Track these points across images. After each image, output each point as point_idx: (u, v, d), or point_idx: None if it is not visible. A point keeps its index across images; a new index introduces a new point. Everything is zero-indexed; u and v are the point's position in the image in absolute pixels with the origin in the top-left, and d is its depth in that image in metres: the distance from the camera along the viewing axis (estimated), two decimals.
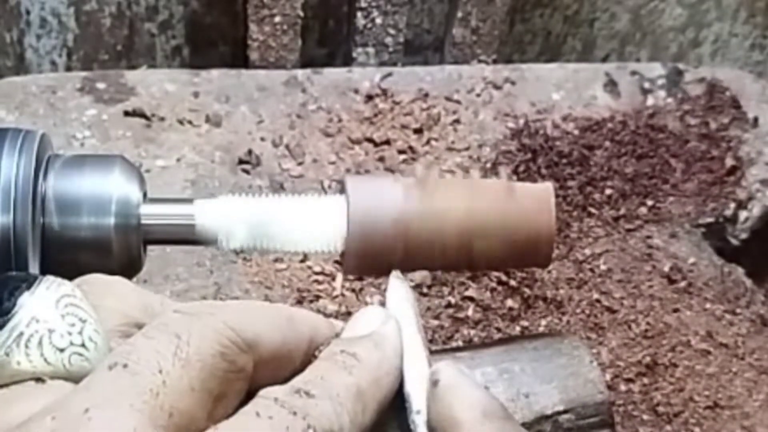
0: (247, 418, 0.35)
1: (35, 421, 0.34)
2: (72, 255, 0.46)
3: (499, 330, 0.70)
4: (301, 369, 0.41)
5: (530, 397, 0.45)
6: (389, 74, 0.86)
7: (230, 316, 0.38)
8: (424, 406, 0.42)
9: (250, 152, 0.78)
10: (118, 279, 0.42)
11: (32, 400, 0.36)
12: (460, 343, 0.68)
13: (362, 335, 0.43)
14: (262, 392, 0.37)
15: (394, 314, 0.44)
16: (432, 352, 0.45)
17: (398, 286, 0.46)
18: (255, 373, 0.39)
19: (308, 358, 0.41)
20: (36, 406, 0.35)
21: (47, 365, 0.37)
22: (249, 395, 0.38)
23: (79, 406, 0.34)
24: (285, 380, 0.40)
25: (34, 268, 0.45)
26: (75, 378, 0.37)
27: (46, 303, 0.37)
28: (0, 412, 0.36)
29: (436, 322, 0.70)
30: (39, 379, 0.37)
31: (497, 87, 0.86)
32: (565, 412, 0.46)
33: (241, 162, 0.78)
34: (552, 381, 0.46)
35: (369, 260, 0.48)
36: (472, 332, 0.70)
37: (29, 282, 0.38)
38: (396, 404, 0.43)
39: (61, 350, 0.37)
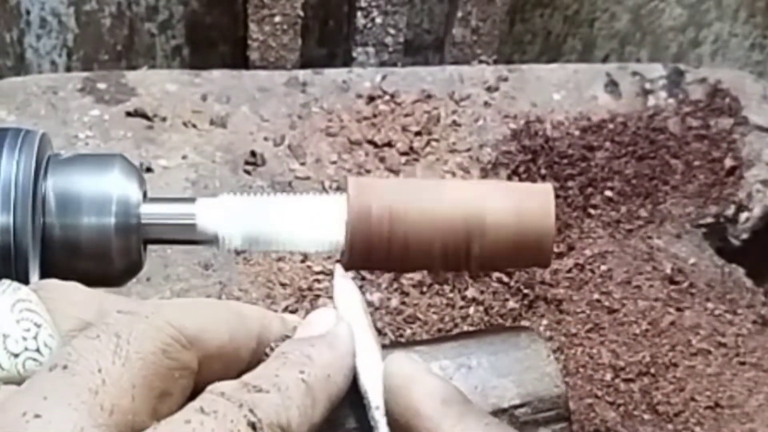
0: (191, 414, 0.35)
1: None
2: (72, 255, 0.46)
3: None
4: (250, 366, 0.41)
5: (487, 390, 0.45)
6: (390, 74, 0.86)
7: (172, 314, 0.38)
8: (381, 401, 0.42)
9: (253, 153, 0.78)
10: (73, 284, 0.42)
11: None
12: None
13: (315, 335, 0.43)
14: (210, 387, 0.37)
15: (344, 312, 0.45)
16: (388, 346, 0.45)
17: (345, 285, 0.46)
18: (201, 369, 0.39)
19: (258, 355, 0.42)
20: None
21: (1, 370, 0.37)
22: (196, 392, 0.38)
23: (17, 409, 0.34)
24: (234, 377, 0.40)
25: (34, 267, 0.45)
26: None
27: (1, 307, 0.37)
28: None
29: (436, 321, 0.70)
30: None
31: (498, 88, 0.86)
32: (521, 405, 0.46)
33: (246, 163, 0.78)
34: (509, 375, 0.46)
35: (369, 259, 0.48)
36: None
37: None
38: (353, 402, 0.43)
39: (16, 355, 0.37)
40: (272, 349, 0.42)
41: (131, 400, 0.35)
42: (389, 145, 0.80)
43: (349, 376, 0.42)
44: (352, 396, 0.43)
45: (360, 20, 0.88)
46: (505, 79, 0.87)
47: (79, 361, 0.35)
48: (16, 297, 0.38)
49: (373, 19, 0.89)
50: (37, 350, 0.38)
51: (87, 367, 0.35)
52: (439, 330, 0.69)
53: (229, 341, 0.40)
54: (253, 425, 0.36)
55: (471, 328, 0.70)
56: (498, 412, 0.45)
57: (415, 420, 0.42)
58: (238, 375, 0.40)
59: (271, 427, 0.36)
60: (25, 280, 0.44)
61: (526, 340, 0.48)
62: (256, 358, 0.41)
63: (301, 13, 0.87)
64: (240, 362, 0.41)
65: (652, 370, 0.68)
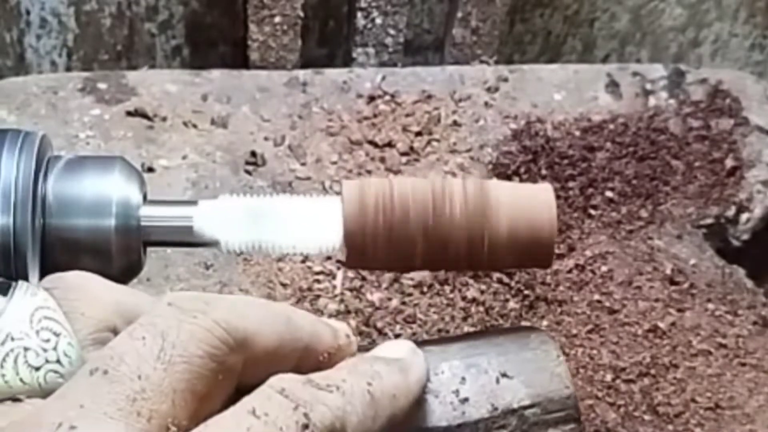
0: (241, 415, 0.34)
1: None
2: (72, 256, 0.46)
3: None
4: (295, 371, 0.40)
5: (497, 391, 0.45)
6: (390, 75, 0.86)
7: (223, 314, 0.37)
8: None
9: (254, 153, 0.78)
10: (90, 277, 0.41)
11: (8, 420, 0.35)
12: None
13: (389, 357, 0.43)
14: (271, 381, 0.36)
15: None
16: None
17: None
18: (245, 370, 0.38)
19: (306, 362, 0.41)
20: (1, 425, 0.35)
21: (23, 385, 0.36)
22: (237, 392, 0.37)
23: (52, 421, 0.33)
24: None
25: (33, 269, 0.45)
26: (50, 394, 0.36)
27: (21, 317, 0.37)
28: None
29: (437, 321, 0.70)
30: (15, 399, 0.36)
31: (498, 88, 0.86)
32: (531, 406, 0.46)
33: (247, 163, 0.78)
34: (519, 375, 0.46)
35: (368, 260, 0.48)
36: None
37: (3, 291, 0.37)
38: None
39: (37, 369, 0.37)
40: (325, 358, 0.41)
41: (171, 405, 0.35)
42: (390, 145, 0.80)
43: (413, 404, 0.42)
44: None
45: (360, 21, 0.88)
46: (506, 80, 0.87)
47: (119, 367, 0.34)
48: (34, 304, 0.38)
49: (373, 20, 0.89)
50: (58, 361, 0.37)
51: (127, 373, 0.34)
52: (440, 330, 0.69)
53: (277, 346, 0.39)
54: (305, 429, 0.35)
55: (471, 329, 0.70)
56: (508, 413, 0.45)
57: None
58: None
59: (323, 431, 0.35)
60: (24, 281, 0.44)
61: (536, 340, 0.48)
62: (303, 365, 0.40)
63: (301, 14, 0.87)
64: (284, 367, 0.40)
65: (653, 371, 0.68)
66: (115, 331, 0.39)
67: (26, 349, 0.37)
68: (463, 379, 0.45)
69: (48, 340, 0.37)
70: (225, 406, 0.36)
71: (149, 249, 0.49)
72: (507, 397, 0.45)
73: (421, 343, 0.45)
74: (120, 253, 0.46)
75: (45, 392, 0.36)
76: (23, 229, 0.44)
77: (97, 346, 0.39)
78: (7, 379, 0.36)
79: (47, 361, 0.37)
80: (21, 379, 0.36)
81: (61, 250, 0.46)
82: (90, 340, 0.39)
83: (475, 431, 0.45)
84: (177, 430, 0.35)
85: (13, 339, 0.36)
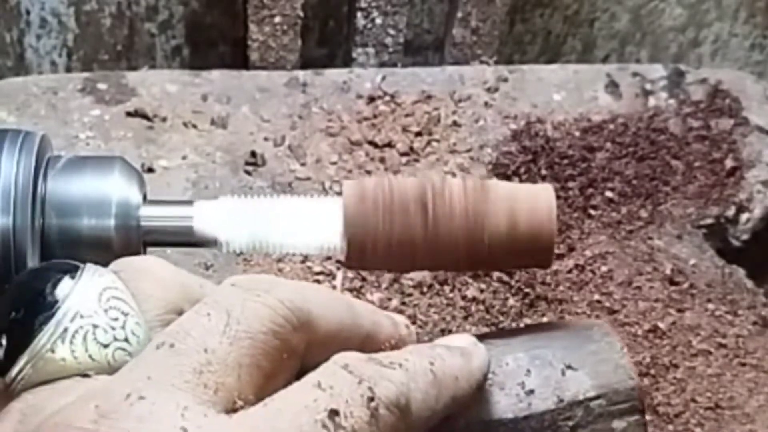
0: (306, 388, 0.35)
1: (76, 409, 0.34)
2: (71, 256, 0.45)
3: (502, 329, 0.70)
4: None
5: (562, 383, 0.45)
6: (390, 75, 0.86)
7: (286, 294, 0.37)
8: None
9: (254, 154, 0.78)
10: (155, 261, 0.41)
11: (76, 394, 0.36)
12: None
13: (450, 345, 0.43)
14: (335, 357, 0.37)
15: None
16: None
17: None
18: (308, 353, 0.38)
19: (367, 351, 0.41)
20: (69, 398, 0.35)
21: (92, 361, 0.37)
22: (299, 376, 0.37)
23: (121, 391, 0.34)
24: None
25: None
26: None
27: (89, 296, 0.37)
28: (48, 404, 0.36)
29: (437, 321, 0.70)
30: (84, 375, 0.37)
31: (498, 88, 0.86)
32: (596, 398, 0.46)
33: (247, 163, 0.78)
34: (583, 367, 0.46)
35: (368, 260, 0.48)
36: (473, 330, 0.69)
37: (71, 273, 0.38)
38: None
39: (105, 346, 0.37)
40: (386, 347, 0.41)
41: (237, 378, 0.35)
42: (389, 145, 0.80)
43: (475, 390, 0.42)
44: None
45: (360, 21, 0.88)
46: (506, 80, 0.87)
47: (186, 340, 0.35)
48: (102, 284, 0.38)
49: (373, 20, 0.89)
50: (126, 340, 0.38)
51: (193, 346, 0.35)
52: (441, 330, 0.69)
53: (339, 330, 0.39)
54: (370, 402, 0.35)
55: (473, 328, 0.70)
56: (573, 405, 0.45)
57: None
58: None
59: (388, 407, 0.36)
60: None
61: (599, 333, 0.48)
62: (364, 352, 0.41)
63: (301, 14, 0.87)
64: (349, 341, 0.40)
65: (653, 371, 0.68)
66: (181, 314, 0.40)
67: (95, 326, 0.37)
68: (528, 371, 0.45)
69: (116, 319, 0.38)
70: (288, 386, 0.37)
71: (149, 249, 0.49)
72: (572, 388, 0.45)
73: (481, 337, 0.45)
74: (120, 253, 0.46)
75: (113, 369, 0.37)
76: (23, 229, 0.44)
77: (163, 327, 0.39)
78: (76, 355, 0.37)
79: (116, 339, 0.37)
80: (90, 356, 0.37)
81: (61, 250, 0.46)
82: (157, 321, 0.39)
83: (541, 423, 0.45)
84: (243, 403, 0.35)
85: (82, 316, 0.37)
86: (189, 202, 0.48)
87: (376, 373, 0.36)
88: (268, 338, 0.36)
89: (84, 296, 0.37)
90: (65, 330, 0.37)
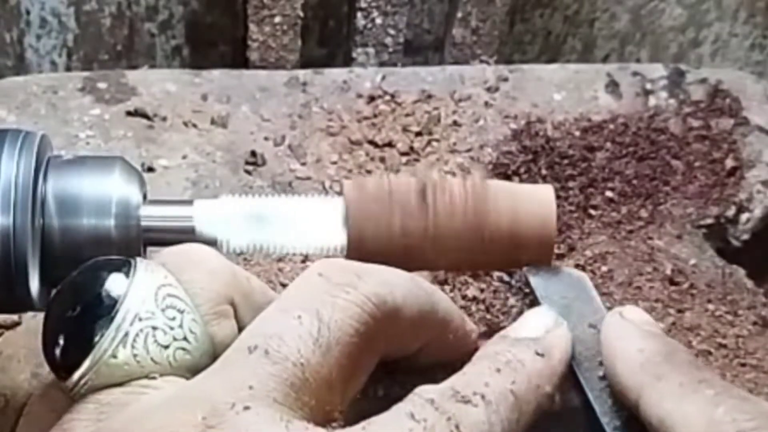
0: (401, 418, 0.35)
1: (181, 415, 0.34)
2: (71, 256, 0.46)
3: (503, 328, 0.70)
4: (426, 346, 0.41)
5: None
6: (390, 74, 0.86)
7: (374, 287, 0.38)
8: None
9: (254, 153, 0.78)
10: (201, 249, 0.41)
11: (147, 397, 0.36)
12: None
13: (530, 337, 0.42)
14: (418, 391, 0.37)
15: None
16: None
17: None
18: (388, 341, 0.39)
19: (442, 339, 0.41)
20: (153, 400, 0.35)
21: (154, 364, 0.37)
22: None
23: (225, 401, 0.34)
24: (409, 355, 0.40)
25: (33, 269, 0.45)
26: (179, 372, 0.37)
27: (146, 296, 0.38)
28: (128, 403, 0.36)
29: None
30: (149, 377, 0.37)
31: (498, 88, 0.86)
32: None
33: (247, 163, 0.78)
34: None
35: (368, 260, 0.48)
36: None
37: (124, 269, 0.38)
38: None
39: (166, 347, 0.37)
40: (454, 338, 0.42)
41: (328, 389, 0.35)
42: (390, 145, 0.80)
43: (558, 385, 0.42)
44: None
45: (360, 21, 0.88)
46: (506, 80, 0.87)
47: (281, 348, 0.35)
48: (156, 282, 0.38)
49: (373, 20, 0.89)
50: (185, 338, 0.38)
51: (288, 356, 0.35)
52: None
53: (419, 317, 0.40)
54: None
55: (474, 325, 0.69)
56: None
57: (621, 390, 0.41)
58: (415, 352, 0.40)
59: None
60: (24, 282, 0.44)
61: None
62: (437, 341, 0.41)
63: (301, 14, 0.87)
64: (420, 341, 0.41)
65: None
66: (233, 304, 0.40)
67: (154, 328, 0.37)
68: None
69: (173, 318, 0.38)
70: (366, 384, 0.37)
71: (149, 249, 0.49)
72: None
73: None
74: (120, 253, 0.46)
75: (175, 369, 0.37)
76: (23, 229, 0.44)
77: (218, 320, 0.39)
78: (138, 359, 0.37)
79: (175, 339, 0.37)
80: (152, 358, 0.37)
81: (61, 250, 0.46)
82: (212, 315, 0.39)
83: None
84: (333, 411, 0.36)
85: (141, 319, 0.37)
86: (189, 202, 0.48)
87: (460, 411, 0.36)
88: (356, 341, 0.36)
89: (141, 296, 0.37)
90: (126, 334, 0.37)
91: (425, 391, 0.37)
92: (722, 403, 0.38)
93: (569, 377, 0.43)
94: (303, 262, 0.71)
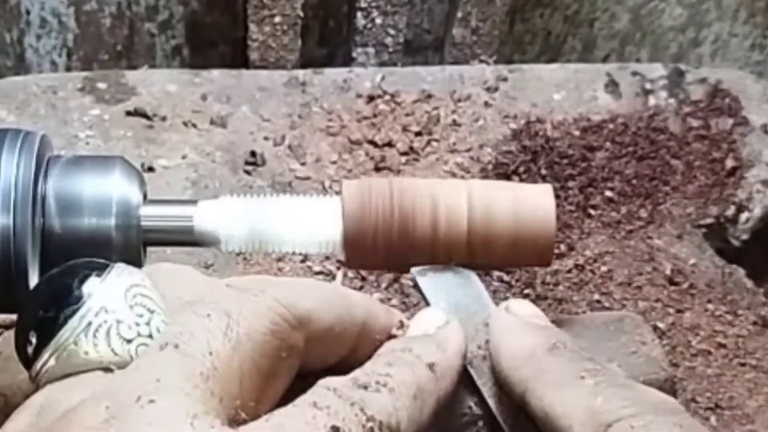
0: (304, 407, 0.35)
1: (88, 408, 0.34)
2: (72, 256, 0.45)
3: None
4: (352, 352, 0.41)
5: None
6: (390, 74, 0.86)
7: (282, 293, 0.38)
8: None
9: (253, 153, 0.78)
10: (186, 267, 0.42)
11: (82, 391, 0.36)
12: None
13: (424, 334, 0.43)
14: (321, 382, 0.37)
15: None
16: None
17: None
18: (305, 351, 0.38)
19: (363, 342, 0.41)
20: (81, 396, 0.35)
21: (114, 356, 0.37)
22: (299, 376, 0.38)
23: (131, 393, 0.34)
24: (336, 363, 0.40)
25: (33, 269, 0.45)
26: None
27: (115, 292, 0.38)
28: (65, 399, 0.36)
29: None
30: (107, 369, 0.37)
31: (498, 88, 0.86)
32: None
33: (246, 163, 0.78)
34: (615, 358, 0.46)
35: (367, 260, 0.48)
36: None
37: (99, 270, 0.38)
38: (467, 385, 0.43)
39: (129, 341, 0.37)
40: (381, 343, 0.41)
41: (239, 384, 0.35)
42: (389, 145, 0.80)
43: (456, 378, 0.42)
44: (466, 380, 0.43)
45: (360, 21, 0.88)
46: (505, 79, 0.87)
47: (190, 342, 0.35)
48: (130, 282, 0.38)
49: (373, 20, 0.89)
50: (150, 336, 0.38)
51: (198, 349, 0.35)
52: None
53: (336, 324, 0.40)
54: (364, 423, 0.35)
55: None
56: None
57: (507, 385, 0.42)
58: (339, 361, 0.40)
59: (381, 428, 0.36)
60: (24, 282, 0.44)
61: (630, 324, 0.48)
62: (360, 345, 0.41)
63: (301, 14, 0.87)
64: (342, 347, 0.41)
65: None
66: None
67: (119, 321, 0.37)
68: None
69: (142, 315, 0.38)
70: (288, 390, 0.37)
71: (149, 249, 0.49)
72: None
73: None
74: (120, 252, 0.46)
75: None
76: (23, 229, 0.44)
77: None
78: (99, 349, 0.37)
79: (139, 335, 0.38)
80: (113, 350, 0.37)
81: (61, 249, 0.46)
82: None
83: None
84: (244, 411, 0.35)
85: (107, 311, 0.37)
86: (189, 202, 0.48)
87: (364, 396, 0.36)
88: (267, 338, 0.36)
89: (110, 292, 0.38)
90: (89, 324, 0.37)
91: (327, 381, 0.37)
92: (602, 393, 0.39)
93: (464, 376, 0.44)
94: (303, 261, 0.71)
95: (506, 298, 0.71)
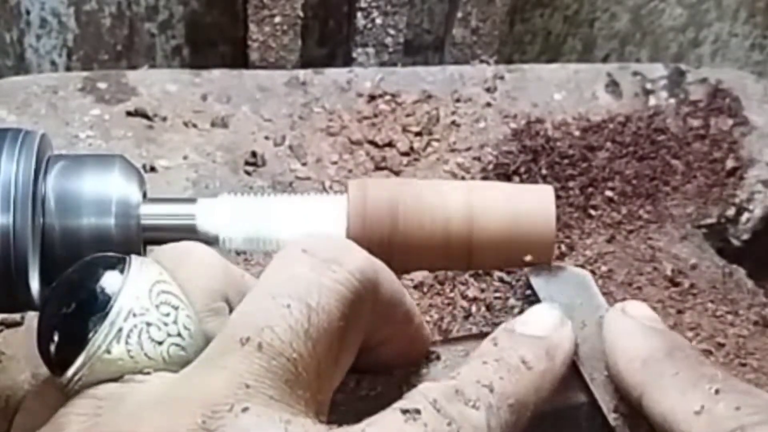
0: (403, 419, 0.35)
1: (179, 417, 0.33)
2: (72, 255, 0.46)
3: None
4: (388, 342, 0.41)
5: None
6: (390, 74, 0.86)
7: (357, 263, 0.37)
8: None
9: (254, 153, 0.78)
10: (198, 247, 0.41)
11: (143, 393, 0.36)
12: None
13: (536, 336, 0.42)
14: (421, 388, 0.36)
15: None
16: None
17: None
18: (368, 323, 0.38)
19: (402, 333, 0.41)
20: (149, 397, 0.35)
21: (148, 360, 0.37)
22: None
23: (222, 401, 0.33)
24: (373, 349, 0.40)
25: (33, 268, 0.45)
26: (173, 368, 0.37)
27: (140, 292, 0.37)
28: (124, 398, 0.36)
29: (438, 321, 0.70)
30: (143, 372, 0.37)
31: (498, 88, 0.86)
32: None
33: (247, 163, 0.78)
34: None
35: None
36: (474, 329, 0.69)
37: (119, 267, 0.38)
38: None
39: (160, 343, 0.37)
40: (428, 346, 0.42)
41: (317, 379, 0.35)
42: (390, 145, 0.80)
43: (557, 386, 0.41)
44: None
45: (360, 21, 0.88)
46: (506, 79, 0.87)
47: (273, 342, 0.35)
48: (151, 279, 0.38)
49: (373, 20, 0.89)
50: (179, 335, 0.38)
51: (282, 351, 0.34)
52: (442, 330, 0.69)
53: (393, 298, 0.40)
54: None
55: (473, 328, 0.69)
56: None
57: (624, 388, 0.41)
58: (374, 350, 0.40)
59: None
60: (24, 282, 0.44)
61: None
62: (398, 335, 0.41)
63: (301, 14, 0.87)
64: (387, 330, 0.40)
65: None
66: (228, 301, 0.40)
67: (148, 324, 0.37)
68: None
69: (168, 314, 0.38)
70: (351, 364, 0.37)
71: (149, 247, 0.49)
72: None
73: None
74: (120, 251, 0.46)
75: (168, 365, 0.37)
76: (23, 228, 0.44)
77: (213, 317, 0.39)
78: (132, 355, 0.37)
79: (169, 335, 0.37)
80: (146, 354, 0.37)
81: (61, 249, 0.46)
82: (206, 311, 0.39)
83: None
84: (324, 406, 0.36)
85: (135, 315, 0.37)
86: (189, 200, 0.48)
87: (460, 415, 0.36)
88: (342, 324, 0.36)
89: (135, 293, 0.37)
90: (120, 330, 0.37)
91: (428, 389, 0.36)
92: (723, 398, 0.38)
93: (575, 377, 0.43)
94: None
95: (507, 299, 0.71)
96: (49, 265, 0.46)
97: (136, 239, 0.47)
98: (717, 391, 0.39)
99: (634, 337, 0.42)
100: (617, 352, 0.42)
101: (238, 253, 0.71)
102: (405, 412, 0.35)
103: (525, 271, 0.48)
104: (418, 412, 0.35)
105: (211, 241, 0.47)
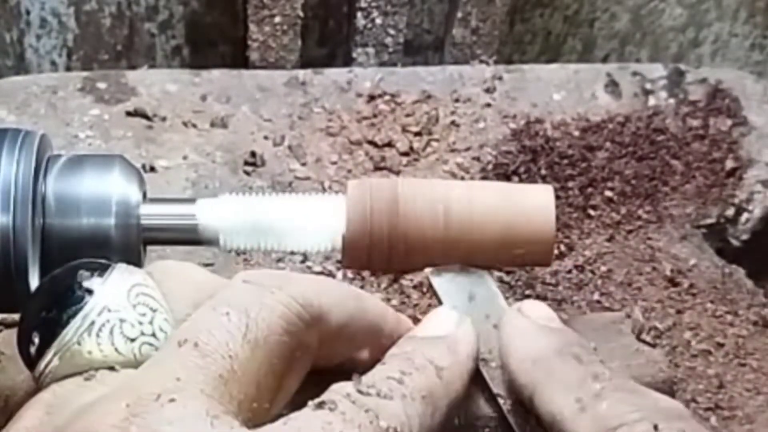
0: (319, 412, 0.35)
1: (107, 405, 0.34)
2: (71, 255, 0.45)
3: None
4: (361, 352, 0.41)
5: None
6: (390, 74, 0.86)
7: (299, 290, 0.38)
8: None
9: (253, 153, 0.78)
10: (188, 264, 0.42)
11: (105, 387, 0.36)
12: None
13: (437, 336, 0.43)
14: (334, 387, 0.37)
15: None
16: None
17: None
18: (320, 349, 0.39)
19: (373, 343, 0.41)
20: (98, 394, 0.36)
21: (118, 355, 0.37)
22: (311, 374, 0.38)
23: (151, 390, 0.34)
24: (345, 362, 0.40)
25: (33, 268, 0.45)
26: None
27: (118, 292, 0.38)
28: (76, 396, 0.36)
29: None
30: (111, 368, 0.37)
31: (497, 88, 0.86)
32: None
33: (246, 163, 0.78)
34: (615, 359, 0.46)
35: (368, 260, 0.48)
36: None
37: (101, 270, 0.39)
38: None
39: (132, 340, 0.38)
40: (390, 344, 0.42)
41: (256, 387, 0.35)
42: (389, 145, 0.80)
43: (467, 381, 0.42)
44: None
45: (360, 21, 0.88)
46: (505, 80, 0.87)
47: (209, 341, 0.35)
48: (132, 281, 0.39)
49: (373, 20, 0.89)
50: (153, 335, 0.38)
51: (218, 349, 0.35)
52: None
53: (349, 324, 0.40)
54: (382, 430, 0.35)
55: None
56: None
57: (516, 388, 0.42)
58: (350, 359, 0.40)
59: None
60: (24, 282, 0.44)
61: (630, 326, 0.48)
62: (370, 346, 0.41)
63: (301, 14, 0.87)
64: (353, 347, 0.41)
65: None
66: None
67: (122, 320, 0.38)
68: None
69: (144, 314, 0.38)
70: (301, 388, 0.37)
71: (149, 248, 0.49)
72: None
73: None
74: (120, 251, 0.46)
75: (139, 363, 0.37)
76: (23, 228, 0.44)
77: None
78: (102, 348, 0.37)
79: (143, 334, 0.38)
80: (116, 349, 0.37)
81: (61, 249, 0.46)
82: (186, 318, 0.39)
83: None
84: (260, 414, 0.35)
85: (109, 310, 0.37)
86: (189, 200, 0.48)
87: (377, 403, 0.36)
88: (284, 339, 0.37)
89: (112, 291, 0.38)
90: (92, 323, 0.37)
91: (341, 386, 0.37)
92: (608, 397, 0.39)
93: (477, 377, 0.44)
94: (302, 261, 0.71)
95: (507, 298, 0.71)
96: (49, 265, 0.46)
97: (136, 239, 0.47)
98: (602, 389, 0.39)
99: (526, 337, 0.43)
100: (510, 352, 0.43)
101: (237, 253, 0.71)
102: (321, 405, 0.35)
103: (426, 272, 0.48)
104: (334, 403, 0.35)
105: (210, 240, 0.47)
